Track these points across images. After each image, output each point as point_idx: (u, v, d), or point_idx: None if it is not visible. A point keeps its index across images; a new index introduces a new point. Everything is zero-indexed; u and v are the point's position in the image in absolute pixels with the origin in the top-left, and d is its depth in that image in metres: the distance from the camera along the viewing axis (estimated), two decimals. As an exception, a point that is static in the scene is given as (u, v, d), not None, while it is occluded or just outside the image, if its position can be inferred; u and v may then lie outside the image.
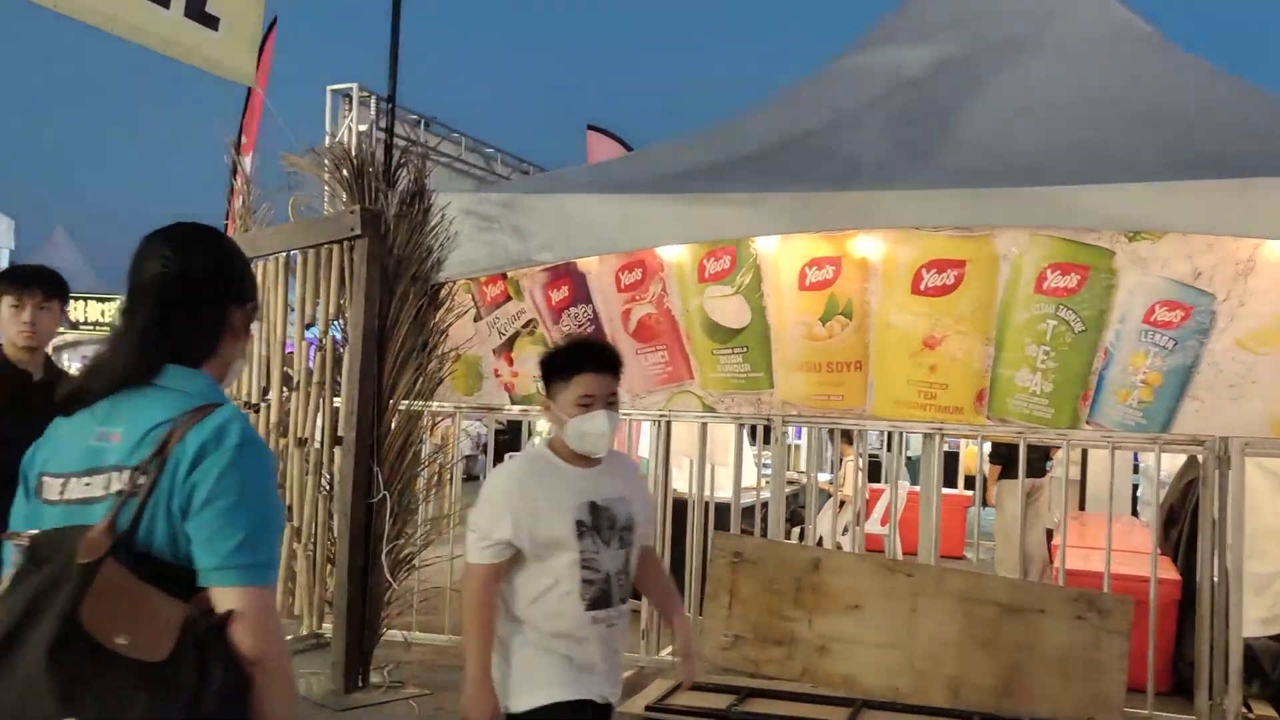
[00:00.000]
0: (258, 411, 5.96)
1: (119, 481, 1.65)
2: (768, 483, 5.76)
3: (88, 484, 1.69)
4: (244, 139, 7.11)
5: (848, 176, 5.56)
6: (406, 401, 5.32)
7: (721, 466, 6.48)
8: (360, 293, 5.18)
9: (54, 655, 1.52)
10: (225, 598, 1.64)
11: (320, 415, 5.50)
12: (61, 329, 17.87)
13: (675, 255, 6.06)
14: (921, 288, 5.54)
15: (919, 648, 4.94)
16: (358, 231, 5.19)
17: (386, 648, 5.70)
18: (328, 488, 5.41)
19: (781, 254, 5.85)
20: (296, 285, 5.72)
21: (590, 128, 11.52)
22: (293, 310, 5.79)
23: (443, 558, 5.75)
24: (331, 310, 5.44)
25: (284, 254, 5.91)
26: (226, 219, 6.92)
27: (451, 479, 6.20)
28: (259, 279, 6.11)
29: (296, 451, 5.57)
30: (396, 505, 5.21)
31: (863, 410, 5.80)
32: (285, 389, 5.83)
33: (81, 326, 26.03)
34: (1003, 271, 5.40)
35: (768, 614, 5.22)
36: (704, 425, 5.67)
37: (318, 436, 5.51)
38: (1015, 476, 8.15)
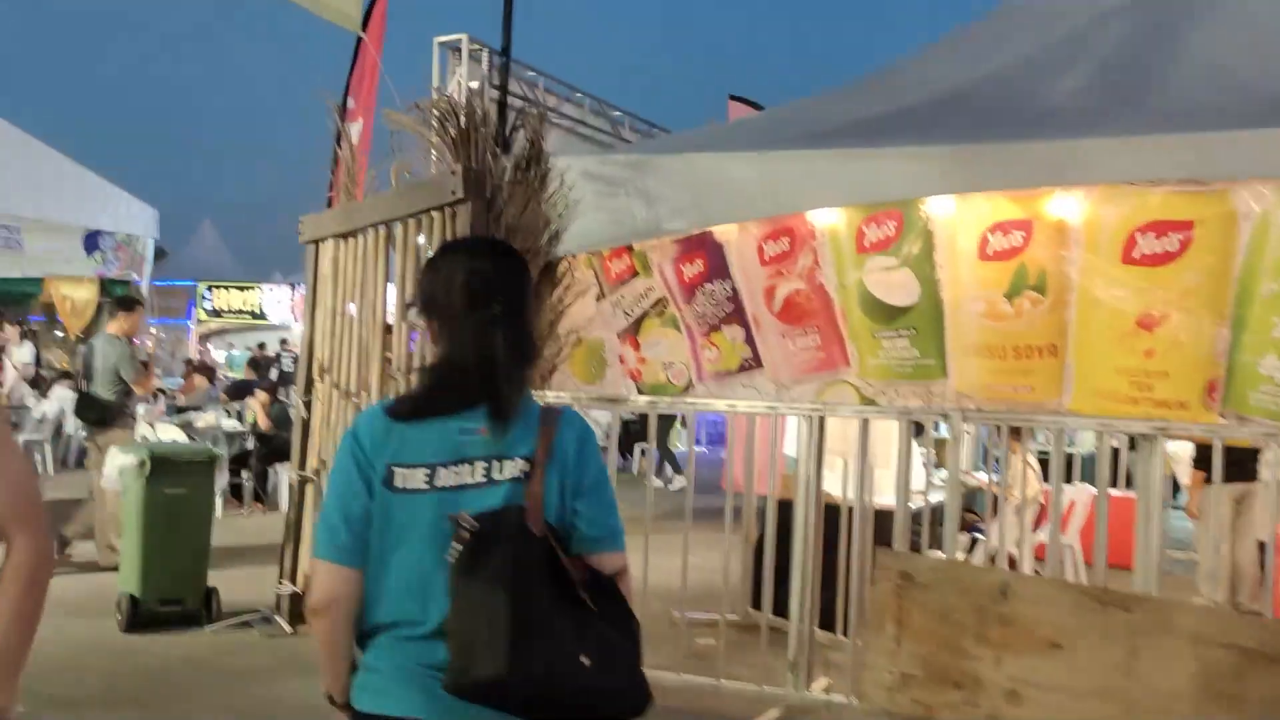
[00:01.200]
0: (356, 401, 5.35)
1: (510, 468, 1.95)
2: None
3: (456, 472, 1.94)
4: (351, 103, 6.53)
5: (1041, 124, 4.58)
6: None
7: (880, 468, 5.58)
8: (462, 265, 4.47)
9: (558, 610, 1.86)
10: (613, 560, 2.02)
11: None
12: (204, 316, 17.76)
13: (829, 221, 5.19)
14: (1136, 256, 4.53)
15: (1139, 700, 3.96)
16: (459, 195, 4.49)
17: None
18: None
19: (958, 218, 4.91)
20: (396, 260, 5.07)
21: (733, 98, 10.63)
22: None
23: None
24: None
25: (383, 226, 5.26)
26: (330, 190, 6.35)
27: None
28: (358, 253, 5.50)
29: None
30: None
31: (1058, 404, 4.82)
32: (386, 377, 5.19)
33: (225, 314, 26.55)
34: (1243, 234, 4.34)
35: (944, 649, 4.32)
36: (865, 421, 4.78)
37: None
38: (1223, 481, 7.04)
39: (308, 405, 6.03)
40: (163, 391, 14.22)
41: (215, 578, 6.28)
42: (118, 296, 8.74)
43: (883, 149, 4.73)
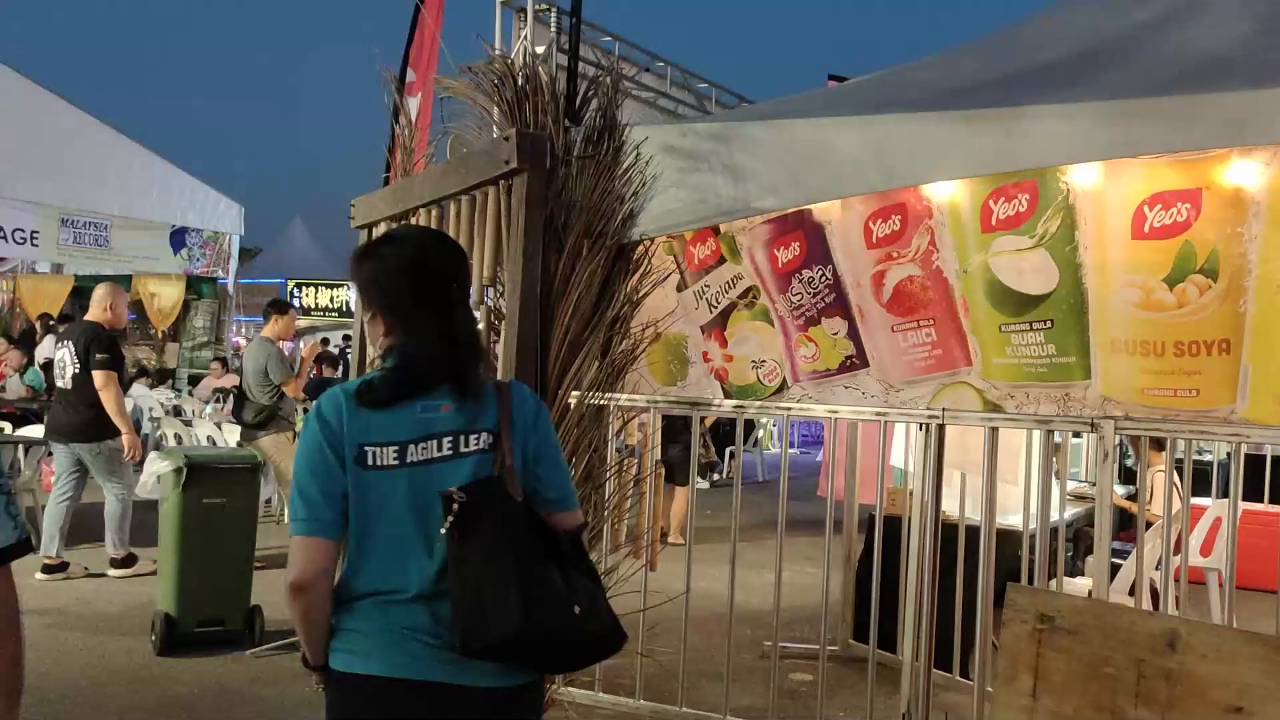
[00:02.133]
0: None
1: (475, 441, 2.09)
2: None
3: (425, 448, 2.06)
4: (411, 75, 5.97)
5: (1210, 74, 3.78)
6: (578, 393, 3.95)
7: (1006, 484, 4.82)
8: (517, 247, 3.84)
9: (549, 567, 2.05)
10: (573, 518, 2.23)
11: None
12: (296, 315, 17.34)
13: (949, 195, 4.44)
14: (1334, 232, 3.70)
15: (1346, 782, 3.16)
16: (513, 164, 3.86)
17: (559, 711, 4.41)
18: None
19: (1108, 188, 4.12)
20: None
21: (832, 78, 9.83)
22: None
23: (630, 595, 4.35)
24: (486, 273, 4.13)
25: (435, 206, 4.67)
26: (387, 171, 5.78)
27: (650, 491, 4.79)
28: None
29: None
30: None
31: (1230, 411, 4.01)
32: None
33: (313, 312, 26.57)
34: None
35: (1094, 709, 3.54)
36: (993, 431, 4.02)
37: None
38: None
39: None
40: (237, 389, 13.89)
41: (270, 592, 5.78)
42: (272, 300, 8.84)
43: (1017, 108, 3.97)
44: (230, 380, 14.13)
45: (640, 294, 4.55)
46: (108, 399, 6.56)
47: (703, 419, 8.44)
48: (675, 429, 8.15)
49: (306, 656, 2.13)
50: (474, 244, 4.23)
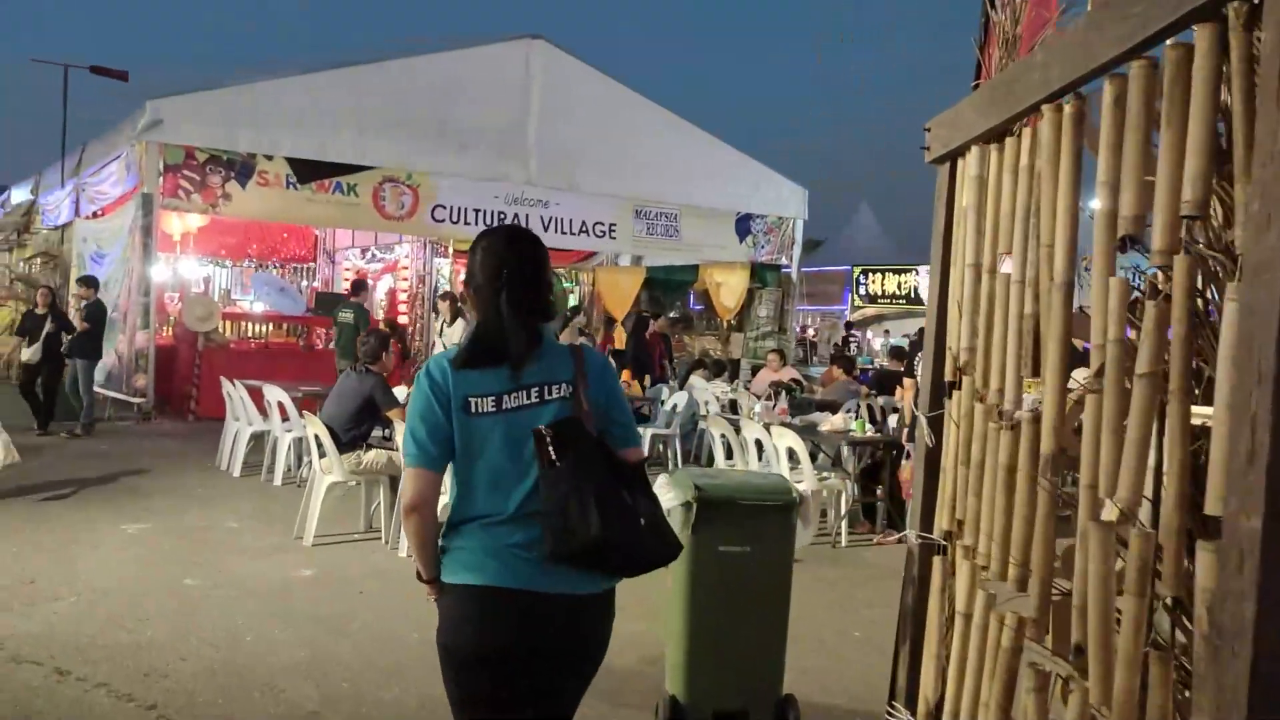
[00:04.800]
0: (1014, 427, 2.95)
1: (556, 391, 2.66)
2: None
3: (515, 397, 2.64)
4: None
5: None
6: None
7: None
8: (1269, 130, 1.84)
9: (618, 488, 2.60)
10: (638, 452, 2.81)
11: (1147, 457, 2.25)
12: (859, 301, 16.96)
13: None
14: None
15: None
16: (1274, -48, 1.85)
17: None
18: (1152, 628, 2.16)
19: None
20: (1103, 149, 2.56)
21: None
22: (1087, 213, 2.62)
23: None
24: (1188, 197, 2.16)
25: (1072, 95, 2.78)
26: (978, 77, 3.99)
27: None
28: (1018, 161, 3.09)
29: (1097, 534, 2.40)
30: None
31: None
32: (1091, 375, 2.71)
33: (879, 300, 25.20)
34: None
35: None
36: None
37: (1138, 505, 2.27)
38: None
39: (936, 426, 3.73)
40: (798, 384, 12.71)
41: (806, 674, 4.26)
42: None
43: None
44: (789, 374, 13.06)
45: None
46: None
47: None
48: None
49: (421, 572, 2.69)
50: (1159, 147, 2.29)
